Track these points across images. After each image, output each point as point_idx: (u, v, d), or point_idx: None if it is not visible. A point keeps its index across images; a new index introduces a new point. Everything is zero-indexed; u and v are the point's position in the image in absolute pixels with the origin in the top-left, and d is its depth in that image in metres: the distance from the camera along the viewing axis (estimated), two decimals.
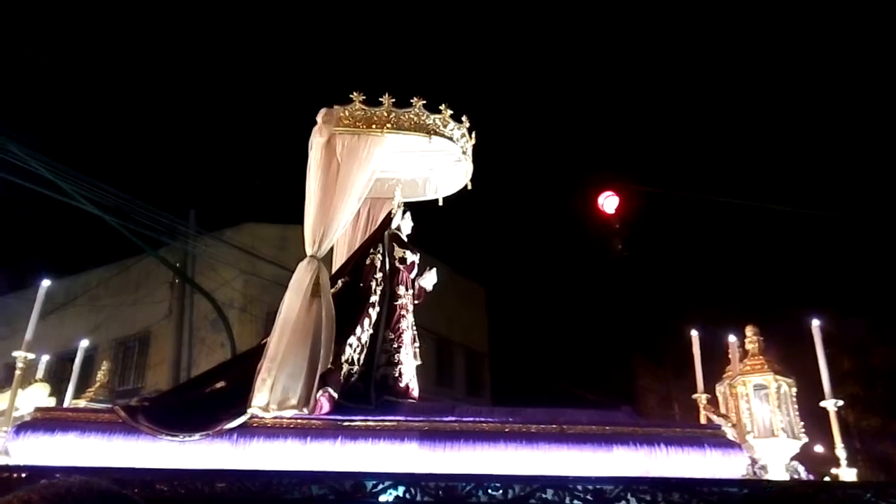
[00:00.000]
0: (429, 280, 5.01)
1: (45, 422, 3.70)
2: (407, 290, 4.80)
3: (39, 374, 5.55)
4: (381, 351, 4.43)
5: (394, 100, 4.77)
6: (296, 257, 14.62)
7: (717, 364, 5.70)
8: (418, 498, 3.28)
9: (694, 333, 5.49)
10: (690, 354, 5.56)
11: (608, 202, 10.38)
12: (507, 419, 3.84)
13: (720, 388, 5.43)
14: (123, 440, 3.58)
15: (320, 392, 3.75)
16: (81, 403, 5.49)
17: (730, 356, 5.62)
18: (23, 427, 3.69)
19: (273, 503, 3.23)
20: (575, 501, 3.41)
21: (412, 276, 4.88)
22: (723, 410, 5.21)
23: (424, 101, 4.83)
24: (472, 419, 3.80)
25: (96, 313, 14.32)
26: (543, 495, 3.39)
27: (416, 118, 4.79)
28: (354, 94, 4.74)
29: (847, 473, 4.32)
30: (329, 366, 3.89)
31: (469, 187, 5.39)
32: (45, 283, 4.63)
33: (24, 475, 3.34)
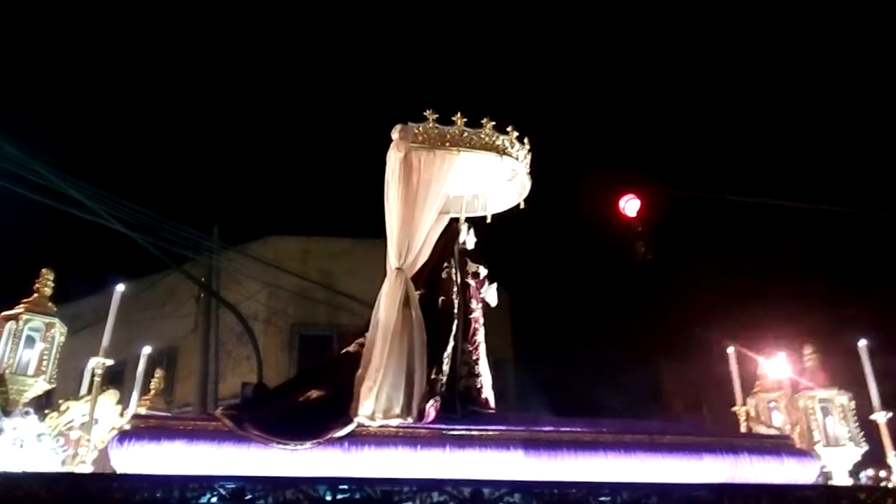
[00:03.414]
0: (491, 295, 4.98)
1: (148, 430, 3.58)
2: (477, 303, 4.77)
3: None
4: (462, 363, 4.39)
5: (465, 119, 4.79)
6: (318, 269, 14.45)
7: (739, 368, 5.71)
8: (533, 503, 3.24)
9: (730, 350, 5.51)
10: (720, 362, 5.59)
11: (629, 205, 10.15)
12: (601, 429, 3.82)
13: (752, 402, 5.45)
14: (234, 448, 3.49)
15: (430, 402, 3.70)
16: (141, 411, 5.41)
17: (759, 372, 5.66)
18: (126, 435, 3.57)
19: None
20: None
21: (481, 290, 4.86)
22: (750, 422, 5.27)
23: (494, 123, 4.85)
24: (569, 429, 3.77)
25: (126, 328, 14.04)
26: (648, 502, 3.37)
27: (486, 138, 4.79)
28: (428, 112, 4.75)
29: None
30: (433, 376, 3.85)
31: (522, 206, 5.36)
32: (120, 287, 4.54)
33: (128, 485, 3.26)
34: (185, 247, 12.30)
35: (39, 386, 3.94)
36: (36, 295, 4.19)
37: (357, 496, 3.19)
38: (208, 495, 3.19)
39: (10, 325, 3.93)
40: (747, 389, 5.52)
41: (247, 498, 3.20)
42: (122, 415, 4.57)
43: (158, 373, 5.92)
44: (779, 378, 5.46)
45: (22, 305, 4.06)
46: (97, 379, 4.11)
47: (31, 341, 3.98)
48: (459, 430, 3.63)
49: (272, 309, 14.24)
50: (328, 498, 3.18)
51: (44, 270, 4.32)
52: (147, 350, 5.15)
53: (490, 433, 3.63)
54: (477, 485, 3.23)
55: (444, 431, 3.61)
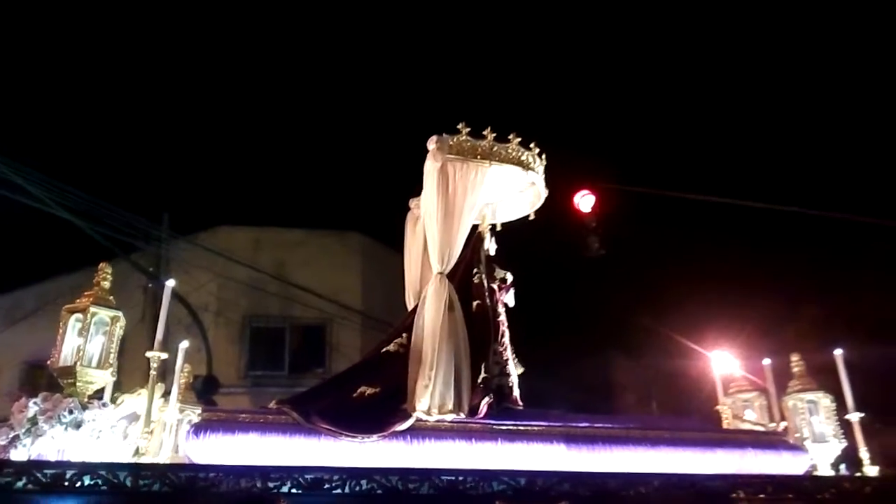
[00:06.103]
0: (509, 297, 5.61)
1: (220, 423, 4.06)
2: (502, 306, 5.40)
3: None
4: (494, 363, 4.99)
5: (494, 134, 5.39)
6: (270, 261, 14.77)
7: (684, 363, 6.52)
8: (580, 492, 3.90)
9: (714, 356, 6.31)
10: (670, 357, 6.32)
11: (584, 201, 10.72)
12: (629, 425, 4.53)
13: (728, 401, 6.30)
14: (305, 440, 4.02)
15: (485, 399, 4.33)
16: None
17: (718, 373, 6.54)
18: (200, 428, 4.05)
19: (459, 497, 3.78)
20: (698, 494, 4.13)
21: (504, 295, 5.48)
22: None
23: (520, 139, 5.47)
24: (602, 425, 4.46)
25: None
26: (675, 492, 4.09)
27: (513, 152, 5.41)
28: (460, 125, 5.30)
29: (870, 470, 5.22)
30: (483, 374, 4.48)
31: (532, 217, 6.01)
32: (170, 282, 4.86)
33: (212, 475, 3.74)
34: (134, 235, 12.54)
35: (105, 378, 4.32)
36: (97, 288, 4.52)
37: (425, 485, 3.78)
38: (289, 485, 3.72)
39: (77, 318, 4.29)
40: (688, 386, 6.36)
41: (325, 487, 3.75)
42: (161, 409, 4.95)
43: (188, 367, 6.17)
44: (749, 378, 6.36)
45: (86, 298, 4.41)
46: (153, 373, 4.42)
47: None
48: (508, 425, 4.27)
49: (223, 300, 14.52)
50: (400, 487, 3.77)
51: (102, 264, 4.65)
52: (185, 344, 5.47)
53: (535, 428, 4.28)
54: (531, 475, 3.88)
55: (494, 426, 4.24)
